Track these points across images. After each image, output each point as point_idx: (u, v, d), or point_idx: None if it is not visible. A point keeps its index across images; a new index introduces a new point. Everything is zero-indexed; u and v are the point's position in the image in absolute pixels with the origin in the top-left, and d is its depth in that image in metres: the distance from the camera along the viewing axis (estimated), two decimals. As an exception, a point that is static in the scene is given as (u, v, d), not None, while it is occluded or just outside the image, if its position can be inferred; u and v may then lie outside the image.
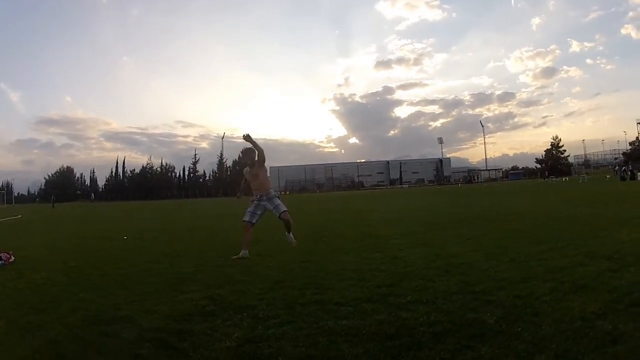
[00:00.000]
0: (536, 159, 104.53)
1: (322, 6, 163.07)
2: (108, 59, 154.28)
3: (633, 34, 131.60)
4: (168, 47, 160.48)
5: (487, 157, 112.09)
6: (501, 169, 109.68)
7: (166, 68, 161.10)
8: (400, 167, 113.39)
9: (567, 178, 59.39)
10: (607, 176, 49.23)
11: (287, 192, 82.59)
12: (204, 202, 48.10)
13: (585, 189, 25.64)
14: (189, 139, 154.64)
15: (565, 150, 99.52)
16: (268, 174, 8.04)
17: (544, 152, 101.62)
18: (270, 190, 6.34)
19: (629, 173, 36.14)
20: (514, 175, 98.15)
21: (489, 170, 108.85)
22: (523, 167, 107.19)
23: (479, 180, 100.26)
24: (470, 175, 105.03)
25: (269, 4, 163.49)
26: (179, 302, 4.02)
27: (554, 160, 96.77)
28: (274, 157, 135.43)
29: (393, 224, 10.95)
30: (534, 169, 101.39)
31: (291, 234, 6.44)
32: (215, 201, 50.54)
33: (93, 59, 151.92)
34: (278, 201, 6.25)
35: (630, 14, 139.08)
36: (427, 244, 6.96)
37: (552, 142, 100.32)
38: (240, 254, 6.07)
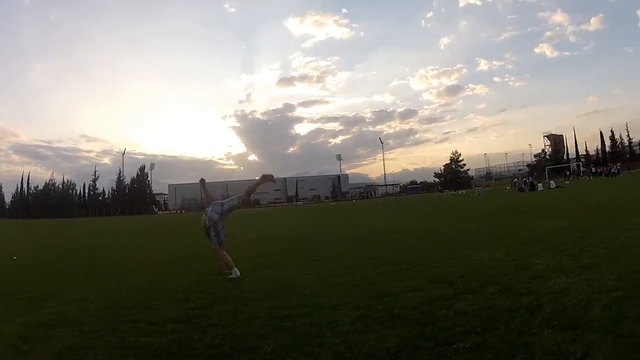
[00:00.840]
0: (435, 173, 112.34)
1: (231, 20, 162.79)
2: (21, 64, 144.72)
3: (548, 52, 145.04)
4: (78, 53, 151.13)
5: (388, 172, 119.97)
6: (399, 184, 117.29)
7: (74, 76, 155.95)
8: (297, 184, 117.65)
9: (463, 191, 64.76)
10: (507, 188, 52.71)
11: (182, 212, 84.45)
12: (96, 221, 49.54)
13: (476, 202, 27.94)
14: (92, 155, 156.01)
15: (465, 164, 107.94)
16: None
17: (443, 167, 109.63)
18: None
19: (528, 184, 39.34)
20: (412, 190, 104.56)
21: (386, 185, 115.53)
22: (422, 182, 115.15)
23: (376, 195, 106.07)
24: (367, 190, 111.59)
25: (182, 14, 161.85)
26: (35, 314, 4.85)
27: (453, 174, 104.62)
28: (174, 175, 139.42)
29: (258, 244, 11.39)
30: (432, 183, 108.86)
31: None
32: (107, 220, 53.52)
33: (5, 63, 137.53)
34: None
35: (548, 33, 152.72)
36: (270, 266, 7.39)
37: (451, 157, 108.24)
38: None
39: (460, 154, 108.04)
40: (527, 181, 43.67)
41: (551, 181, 40.18)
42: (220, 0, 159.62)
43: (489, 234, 9.37)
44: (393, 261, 6.72)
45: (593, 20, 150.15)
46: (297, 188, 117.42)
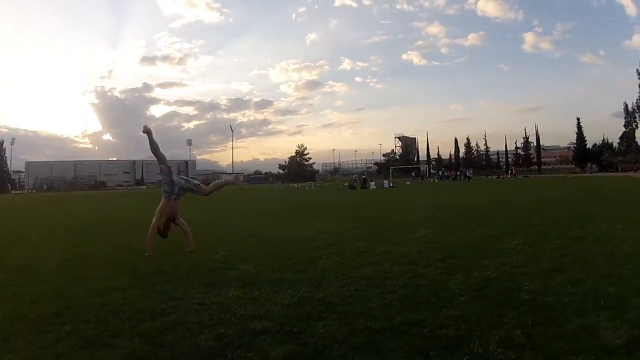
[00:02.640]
0: (279, 165, 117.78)
1: None
2: None
3: (416, 60, 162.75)
4: None
5: (239, 160, 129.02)
6: (242, 173, 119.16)
7: None
8: (143, 167, 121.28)
9: (299, 184, 66.16)
10: (346, 184, 55.97)
11: (33, 191, 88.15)
12: None
13: (285, 196, 30.93)
14: None
15: (310, 158, 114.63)
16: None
17: (288, 159, 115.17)
18: None
19: (360, 182, 41.83)
20: (255, 180, 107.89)
21: (230, 174, 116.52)
22: (266, 172, 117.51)
23: None
24: (207, 178, 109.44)
25: None
26: None
27: (297, 167, 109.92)
28: (33, 151, 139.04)
29: None
30: (276, 174, 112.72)
31: None
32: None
33: None
34: None
35: (419, 42, 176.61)
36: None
37: (296, 150, 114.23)
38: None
39: (305, 147, 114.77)
40: (361, 179, 46.16)
41: (385, 180, 42.07)
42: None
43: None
44: None
45: (471, 36, 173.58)
46: (142, 172, 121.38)
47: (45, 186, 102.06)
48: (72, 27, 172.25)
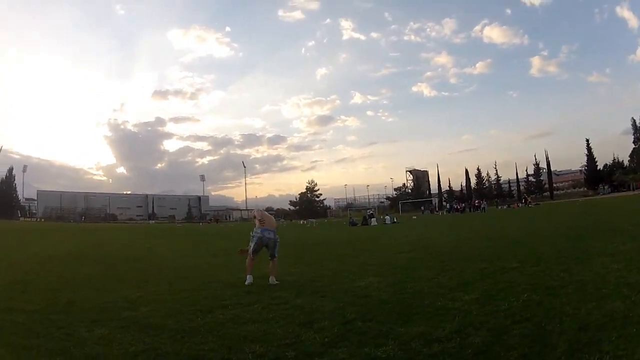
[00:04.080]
0: (290, 201, 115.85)
1: (115, 23, 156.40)
2: None
3: (426, 92, 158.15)
4: None
5: (254, 196, 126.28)
6: (253, 210, 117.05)
7: None
8: (154, 202, 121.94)
9: (304, 221, 64.12)
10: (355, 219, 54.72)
11: (42, 220, 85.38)
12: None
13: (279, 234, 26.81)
14: None
15: (321, 194, 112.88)
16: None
17: (299, 195, 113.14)
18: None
19: (363, 219, 39.60)
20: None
21: (241, 210, 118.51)
22: (277, 209, 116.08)
23: (230, 219, 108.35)
24: (217, 214, 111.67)
25: (61, 11, 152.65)
26: None
27: (308, 203, 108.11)
28: (46, 180, 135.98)
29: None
30: (287, 210, 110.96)
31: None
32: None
33: None
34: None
35: (428, 73, 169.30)
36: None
37: (307, 186, 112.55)
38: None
39: (316, 184, 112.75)
40: (367, 214, 44.09)
41: (387, 216, 39.89)
42: (110, 1, 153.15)
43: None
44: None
45: (479, 64, 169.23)
46: (153, 206, 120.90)
47: (54, 216, 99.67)
48: (84, 59, 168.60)
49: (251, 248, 8.08)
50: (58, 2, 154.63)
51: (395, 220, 38.36)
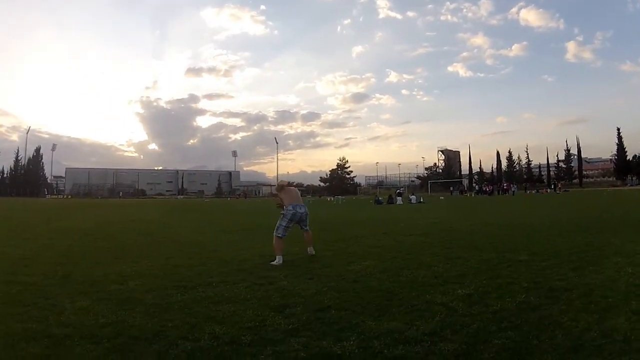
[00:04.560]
0: (320, 177, 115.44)
1: (147, 2, 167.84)
2: None
3: (461, 72, 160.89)
4: None
5: (287, 173, 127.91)
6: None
7: None
8: (183, 177, 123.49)
9: (331, 198, 63.82)
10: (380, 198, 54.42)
11: (69, 196, 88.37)
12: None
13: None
14: (2, 129, 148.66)
15: (351, 171, 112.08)
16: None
17: (329, 172, 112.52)
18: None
19: (388, 197, 39.25)
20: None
21: (270, 186, 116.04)
22: (308, 185, 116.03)
23: (259, 194, 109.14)
24: (246, 190, 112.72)
25: None
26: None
27: (338, 180, 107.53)
28: (77, 158, 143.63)
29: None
30: (317, 186, 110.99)
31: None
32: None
33: None
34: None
35: (464, 54, 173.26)
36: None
37: (338, 163, 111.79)
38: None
39: (347, 161, 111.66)
40: (395, 193, 43.46)
41: (412, 195, 39.13)
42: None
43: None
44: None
45: (515, 46, 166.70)
46: (182, 181, 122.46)
47: (82, 192, 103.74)
48: (118, 38, 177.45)
49: (282, 227, 7.68)
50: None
51: (421, 200, 37.66)
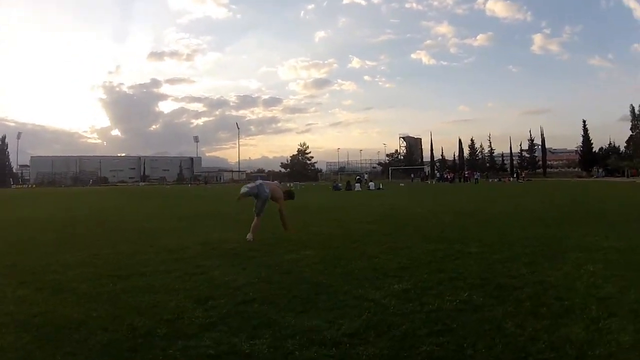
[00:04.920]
0: (281, 163, 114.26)
1: None
2: None
3: (425, 59, 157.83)
4: None
5: (247, 158, 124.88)
6: (245, 172, 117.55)
7: None
8: (144, 164, 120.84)
9: (290, 184, 62.69)
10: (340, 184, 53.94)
11: (34, 186, 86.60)
12: None
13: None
14: None
15: (312, 157, 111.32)
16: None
17: (290, 157, 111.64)
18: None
19: (347, 184, 38.79)
20: (256, 178, 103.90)
21: (232, 172, 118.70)
22: (269, 171, 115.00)
23: (220, 180, 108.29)
24: (207, 176, 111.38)
25: None
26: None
27: (299, 166, 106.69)
28: (40, 145, 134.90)
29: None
30: (278, 172, 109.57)
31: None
32: None
33: None
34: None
35: (428, 41, 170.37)
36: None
37: (298, 148, 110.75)
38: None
39: (307, 146, 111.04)
40: (356, 179, 43.80)
41: (371, 182, 38.99)
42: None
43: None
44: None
45: (480, 36, 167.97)
46: (144, 168, 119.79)
47: (46, 181, 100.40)
48: (79, 22, 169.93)
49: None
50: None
51: (380, 187, 37.41)
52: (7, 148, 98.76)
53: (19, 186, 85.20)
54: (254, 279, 4.99)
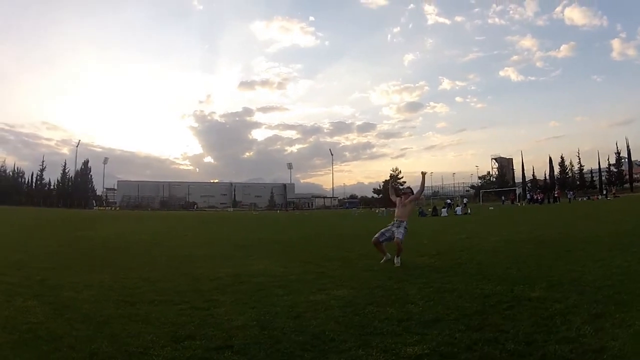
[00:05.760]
0: (373, 189, 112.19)
1: (194, 17, 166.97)
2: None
3: (513, 76, 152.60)
4: (41, 39, 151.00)
5: (340, 185, 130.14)
6: (337, 198, 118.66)
7: (36, 61, 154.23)
8: (234, 190, 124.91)
9: (378, 210, 61.36)
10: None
11: (117, 208, 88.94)
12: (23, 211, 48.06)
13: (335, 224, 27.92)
14: (52, 143, 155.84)
15: (405, 182, 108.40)
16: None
17: (382, 183, 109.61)
18: (404, 222, 8.69)
19: (433, 209, 37.14)
20: (350, 204, 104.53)
21: (323, 198, 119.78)
22: (361, 196, 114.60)
23: (311, 207, 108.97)
24: (299, 202, 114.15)
25: (140, 6, 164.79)
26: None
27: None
28: (131, 171, 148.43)
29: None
30: (370, 198, 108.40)
31: (397, 258, 8.33)
32: (39, 210, 53.60)
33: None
34: (401, 229, 8.54)
35: (515, 57, 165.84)
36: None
37: (390, 173, 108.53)
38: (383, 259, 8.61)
39: (400, 171, 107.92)
40: (446, 203, 42.36)
41: (458, 207, 36.81)
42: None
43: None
44: None
45: (563, 47, 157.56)
46: (234, 194, 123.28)
47: (132, 204, 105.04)
48: (167, 53, 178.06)
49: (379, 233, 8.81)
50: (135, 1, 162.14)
51: (468, 211, 35.13)
52: (90, 171, 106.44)
53: (102, 208, 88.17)
54: (253, 321, 4.50)
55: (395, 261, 8.30)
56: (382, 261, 8.49)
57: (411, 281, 6.60)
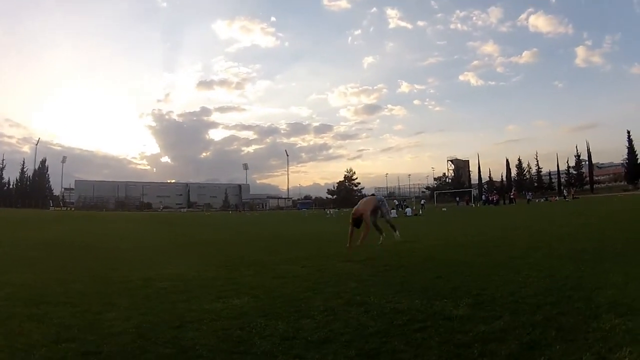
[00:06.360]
0: (328, 190, 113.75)
1: (159, 14, 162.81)
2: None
3: (472, 80, 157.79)
4: (4, 36, 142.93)
5: (299, 185, 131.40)
6: (291, 199, 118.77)
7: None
8: (189, 190, 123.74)
9: (329, 211, 60.69)
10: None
11: (72, 209, 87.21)
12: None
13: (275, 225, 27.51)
14: (13, 141, 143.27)
15: (359, 183, 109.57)
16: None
17: (337, 184, 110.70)
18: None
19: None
20: (303, 205, 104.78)
21: (277, 198, 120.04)
22: (315, 197, 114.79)
23: (266, 208, 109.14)
24: (252, 203, 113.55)
25: (104, 3, 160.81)
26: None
27: (346, 192, 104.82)
28: (87, 170, 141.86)
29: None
30: (325, 199, 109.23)
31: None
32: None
33: None
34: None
35: (475, 62, 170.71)
36: None
37: (345, 175, 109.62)
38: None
39: (354, 172, 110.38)
40: (395, 205, 42.36)
41: (407, 208, 36.56)
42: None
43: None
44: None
45: (525, 53, 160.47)
46: (189, 195, 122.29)
47: (88, 204, 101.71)
48: (128, 51, 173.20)
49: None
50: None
51: (419, 212, 34.88)
52: (47, 170, 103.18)
53: (58, 208, 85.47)
54: (133, 328, 4.17)
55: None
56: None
57: (321, 290, 5.67)
